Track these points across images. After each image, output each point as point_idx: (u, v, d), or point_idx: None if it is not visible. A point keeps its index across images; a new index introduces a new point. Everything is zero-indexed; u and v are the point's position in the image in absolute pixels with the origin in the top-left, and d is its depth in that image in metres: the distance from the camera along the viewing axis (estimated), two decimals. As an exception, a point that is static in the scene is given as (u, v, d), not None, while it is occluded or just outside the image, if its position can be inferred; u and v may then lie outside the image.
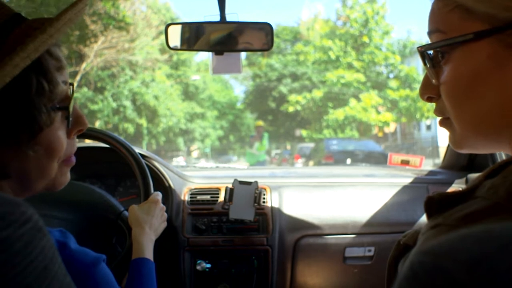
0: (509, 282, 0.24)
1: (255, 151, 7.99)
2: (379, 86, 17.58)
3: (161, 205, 1.07)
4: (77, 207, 1.07)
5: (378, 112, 16.86)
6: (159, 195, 1.09)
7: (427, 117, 16.57)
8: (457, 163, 1.67)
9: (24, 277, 0.39)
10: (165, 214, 1.09)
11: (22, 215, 0.42)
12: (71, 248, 0.66)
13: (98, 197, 1.10)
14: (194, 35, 1.16)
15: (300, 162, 12.43)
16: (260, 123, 8.72)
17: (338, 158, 10.35)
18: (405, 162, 1.75)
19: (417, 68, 17.39)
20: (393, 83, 17.19)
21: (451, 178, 1.59)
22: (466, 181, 1.55)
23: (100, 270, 0.68)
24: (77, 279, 0.55)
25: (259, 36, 1.16)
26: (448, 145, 1.67)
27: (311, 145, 13.91)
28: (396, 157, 1.77)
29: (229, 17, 1.12)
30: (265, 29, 1.14)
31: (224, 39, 1.15)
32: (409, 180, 1.55)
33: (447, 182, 1.58)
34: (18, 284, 0.39)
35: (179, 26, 1.18)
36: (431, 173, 1.69)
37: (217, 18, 1.11)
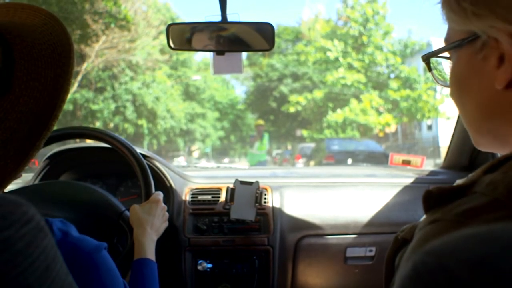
0: (512, 282, 0.23)
1: (255, 151, 7.97)
2: (380, 86, 17.53)
3: (162, 205, 1.07)
4: (78, 207, 1.06)
5: (379, 113, 16.82)
6: (160, 195, 1.09)
7: (428, 117, 16.53)
8: (459, 163, 1.67)
9: (26, 277, 0.39)
10: (166, 214, 1.09)
11: (24, 215, 0.42)
12: (73, 235, 0.67)
13: (99, 197, 1.09)
14: (195, 35, 1.16)
15: (301, 162, 12.42)
16: (260, 122, 8.62)
17: (339, 158, 10.33)
18: (406, 162, 1.75)
19: (417, 69, 17.35)
20: (394, 84, 17.14)
21: (452, 178, 1.58)
22: (467, 181, 1.54)
23: (101, 256, 0.69)
24: (79, 265, 0.55)
25: (260, 36, 1.15)
26: (449, 145, 1.67)
27: (312, 145, 13.89)
28: (397, 157, 1.77)
29: (230, 17, 1.11)
30: (266, 29, 1.13)
31: (225, 39, 1.15)
32: (410, 180, 1.55)
33: (448, 182, 1.57)
34: (19, 284, 0.39)
35: (180, 26, 1.18)
36: (432, 173, 1.69)
37: (218, 18, 1.11)
